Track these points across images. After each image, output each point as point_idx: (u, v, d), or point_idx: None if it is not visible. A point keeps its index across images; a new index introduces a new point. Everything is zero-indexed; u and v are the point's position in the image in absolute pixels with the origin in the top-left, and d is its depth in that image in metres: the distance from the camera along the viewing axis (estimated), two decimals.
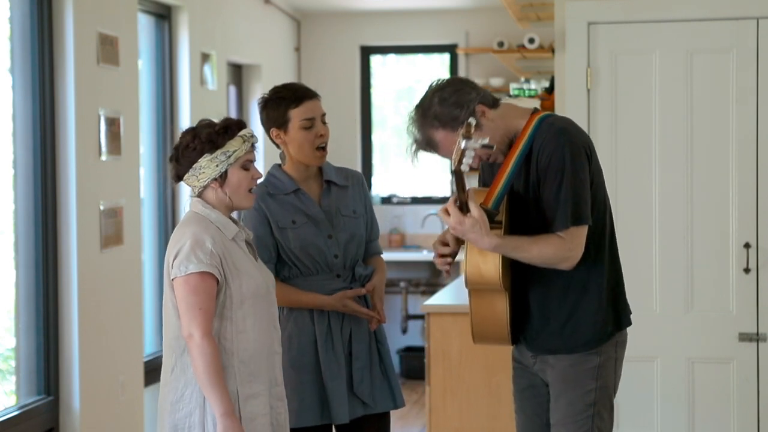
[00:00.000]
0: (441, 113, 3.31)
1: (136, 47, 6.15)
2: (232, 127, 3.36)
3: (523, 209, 3.36)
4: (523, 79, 8.06)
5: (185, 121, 6.89)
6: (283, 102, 3.76)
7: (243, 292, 3.33)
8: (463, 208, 3.18)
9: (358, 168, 9.60)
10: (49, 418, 5.37)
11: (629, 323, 3.48)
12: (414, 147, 3.40)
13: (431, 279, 9.57)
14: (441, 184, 9.82)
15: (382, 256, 4.01)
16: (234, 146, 3.33)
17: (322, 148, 3.81)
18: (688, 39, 5.06)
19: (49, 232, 5.35)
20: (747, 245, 5.01)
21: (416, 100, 3.41)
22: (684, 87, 5.05)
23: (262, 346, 3.37)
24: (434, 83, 3.38)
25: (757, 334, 5.00)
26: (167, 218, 6.84)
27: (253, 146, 3.39)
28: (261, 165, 3.87)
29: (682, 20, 5.06)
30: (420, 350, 9.01)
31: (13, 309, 5.24)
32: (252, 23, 8.45)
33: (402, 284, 9.45)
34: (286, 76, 9.14)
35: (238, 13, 8.10)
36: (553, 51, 5.60)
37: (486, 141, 3.06)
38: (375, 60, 10.03)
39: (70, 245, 5.40)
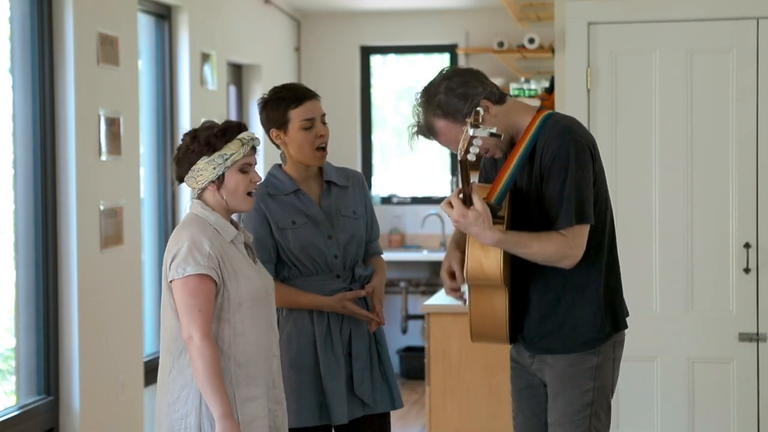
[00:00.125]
0: (445, 102, 3.30)
1: (136, 47, 6.15)
2: (231, 130, 3.35)
3: (525, 206, 3.36)
4: (523, 79, 8.06)
5: (185, 121, 6.89)
6: (283, 102, 3.76)
7: (241, 294, 3.33)
8: (467, 201, 3.18)
9: (358, 168, 9.60)
10: (49, 418, 5.37)
11: (626, 326, 3.47)
12: (415, 130, 3.39)
13: (431, 279, 9.57)
14: (441, 184, 9.82)
15: (382, 256, 4.01)
16: (231, 149, 3.33)
17: (322, 149, 3.80)
18: (688, 39, 5.06)
19: (49, 232, 5.35)
20: (747, 245, 5.01)
21: (427, 83, 3.40)
22: (684, 87, 5.05)
23: (260, 348, 3.37)
24: (444, 71, 3.37)
25: (757, 334, 5.00)
26: (167, 218, 6.84)
27: (254, 149, 3.38)
28: (261, 165, 3.87)
29: (682, 20, 5.07)
30: (420, 350, 9.01)
31: (13, 309, 5.24)
32: (252, 23, 8.45)
33: (402, 284, 9.45)
34: (286, 77, 9.14)
35: (238, 13, 8.10)
36: (553, 51, 5.60)
37: (494, 130, 3.06)
38: (375, 60, 10.03)
39: (70, 245, 5.39)
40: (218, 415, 3.22)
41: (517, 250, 3.27)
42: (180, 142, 3.41)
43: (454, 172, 9.45)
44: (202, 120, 3.52)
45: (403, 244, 9.73)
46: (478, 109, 3.06)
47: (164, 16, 6.88)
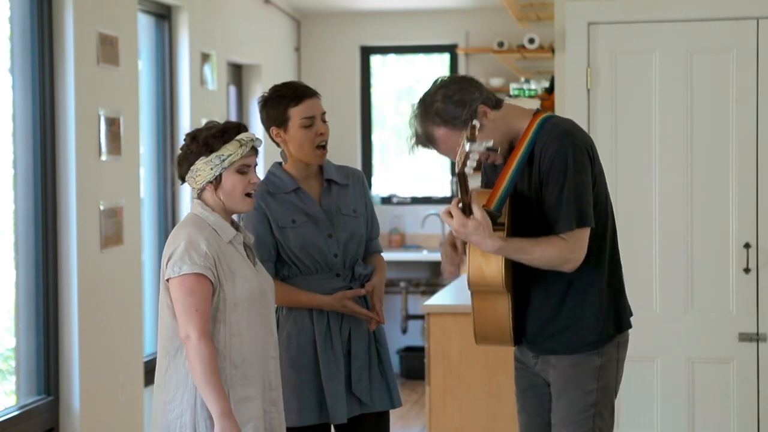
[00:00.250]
0: (443, 110, 3.31)
1: (136, 47, 6.15)
2: (230, 131, 3.35)
3: (525, 210, 3.36)
4: (523, 79, 8.06)
5: (185, 121, 6.89)
6: (283, 100, 3.76)
7: (237, 295, 3.33)
8: (466, 211, 3.18)
9: (358, 168, 9.59)
10: (49, 418, 5.37)
11: (630, 326, 3.48)
12: (414, 140, 3.40)
13: (431, 279, 9.57)
14: (441, 184, 9.82)
15: (382, 254, 4.01)
16: (229, 150, 3.32)
17: (323, 147, 3.80)
18: (688, 39, 5.06)
19: (49, 232, 5.35)
20: (747, 245, 5.01)
21: (421, 94, 3.41)
22: (684, 87, 5.05)
23: (256, 349, 3.37)
24: (440, 79, 3.38)
25: (757, 334, 5.00)
26: (167, 218, 6.85)
27: (254, 150, 3.38)
28: (261, 164, 3.86)
29: (682, 20, 5.06)
30: (420, 350, 9.01)
31: (13, 309, 5.24)
32: (252, 23, 8.45)
33: (402, 284, 9.45)
34: (286, 76, 9.14)
35: (238, 13, 8.10)
36: (553, 51, 5.60)
37: (490, 144, 3.06)
38: (375, 60, 10.03)
39: (70, 245, 5.40)
40: (217, 414, 3.22)
41: (519, 257, 3.28)
42: (182, 142, 3.43)
43: (454, 173, 9.44)
44: (203, 120, 3.53)
45: (403, 244, 9.73)
46: (474, 123, 3.05)
47: (164, 16, 6.88)
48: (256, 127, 7.46)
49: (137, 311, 6.10)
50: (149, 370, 6.12)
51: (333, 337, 3.79)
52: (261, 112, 3.81)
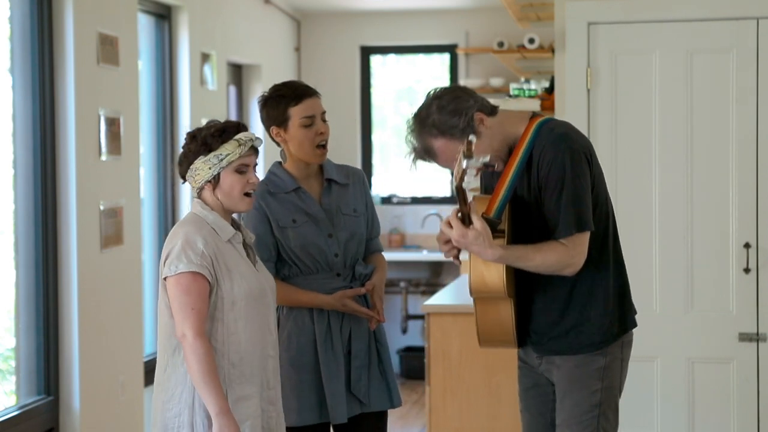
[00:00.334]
0: (439, 121, 3.30)
1: (136, 47, 6.15)
2: (229, 130, 3.35)
3: (525, 216, 3.36)
4: (523, 79, 8.06)
5: (185, 121, 6.89)
6: (283, 100, 3.76)
7: (234, 294, 3.33)
8: (466, 221, 3.18)
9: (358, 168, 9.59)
10: (49, 418, 5.37)
11: (635, 324, 3.48)
12: (413, 156, 3.40)
13: (431, 279, 9.57)
14: (441, 184, 9.82)
15: (383, 253, 4.01)
16: (227, 150, 3.32)
17: (323, 146, 3.80)
18: (688, 39, 5.06)
19: (49, 232, 5.35)
20: (747, 245, 5.01)
21: (414, 109, 3.41)
22: (684, 87, 5.05)
23: (254, 348, 3.37)
24: (432, 92, 3.37)
25: (757, 334, 5.00)
26: (167, 218, 6.84)
27: (254, 150, 3.37)
28: (261, 163, 3.86)
29: (682, 20, 5.06)
30: (420, 350, 9.01)
31: (13, 309, 5.24)
32: (252, 23, 8.45)
33: (402, 284, 9.45)
34: (286, 76, 9.13)
35: (238, 13, 8.10)
36: (553, 51, 5.59)
37: (487, 159, 3.07)
38: (375, 60, 10.03)
39: (70, 245, 5.40)
40: (215, 412, 3.22)
41: (520, 264, 3.28)
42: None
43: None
44: (203, 120, 3.53)
45: (403, 244, 9.73)
46: (470, 138, 3.05)
47: (164, 16, 6.88)
48: (256, 126, 7.46)
49: (137, 311, 6.10)
50: (149, 370, 6.12)
51: (333, 337, 3.79)
52: (261, 111, 3.82)
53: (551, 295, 3.39)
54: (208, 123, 3.40)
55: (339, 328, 3.81)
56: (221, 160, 3.32)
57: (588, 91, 5.12)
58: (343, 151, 9.14)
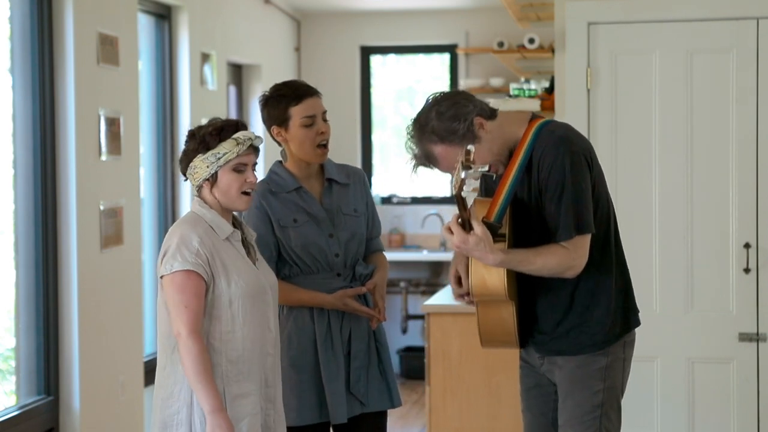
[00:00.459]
0: (439, 127, 3.30)
1: (136, 47, 6.15)
2: (228, 129, 3.35)
3: (526, 218, 3.36)
4: (523, 79, 8.05)
5: (185, 121, 6.89)
6: (284, 99, 3.76)
7: (232, 292, 3.33)
8: (466, 226, 3.18)
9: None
10: (49, 418, 5.37)
11: (638, 323, 3.49)
12: (414, 162, 3.41)
13: (431, 279, 9.57)
14: (441, 184, 9.82)
15: (383, 253, 4.01)
16: (225, 148, 3.33)
17: (323, 146, 3.80)
18: (688, 39, 5.06)
19: (49, 232, 5.35)
20: (747, 245, 5.01)
21: (414, 112, 3.41)
22: (684, 87, 5.05)
23: (253, 345, 3.37)
24: (431, 98, 3.38)
25: (757, 334, 5.00)
26: (167, 218, 6.84)
27: (254, 149, 3.37)
28: (262, 163, 3.86)
29: (682, 20, 5.06)
30: (420, 350, 9.01)
31: (13, 309, 5.24)
32: (252, 23, 8.45)
33: (402, 284, 9.45)
34: (286, 76, 9.12)
35: (238, 13, 8.10)
36: (553, 51, 5.59)
37: (486, 169, 3.09)
38: (375, 60, 10.03)
39: (70, 245, 5.40)
40: (208, 411, 3.22)
41: (521, 268, 3.28)
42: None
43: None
44: (203, 120, 3.54)
45: (403, 244, 9.73)
46: (469, 148, 3.05)
47: (164, 16, 6.88)
48: (257, 126, 7.47)
49: (137, 311, 6.10)
50: (149, 370, 6.12)
51: (333, 338, 3.79)
52: (262, 111, 3.82)
53: (554, 296, 3.39)
54: (209, 121, 3.41)
55: (339, 329, 3.81)
56: (219, 158, 3.33)
57: (588, 91, 5.12)
58: (343, 151, 9.14)
